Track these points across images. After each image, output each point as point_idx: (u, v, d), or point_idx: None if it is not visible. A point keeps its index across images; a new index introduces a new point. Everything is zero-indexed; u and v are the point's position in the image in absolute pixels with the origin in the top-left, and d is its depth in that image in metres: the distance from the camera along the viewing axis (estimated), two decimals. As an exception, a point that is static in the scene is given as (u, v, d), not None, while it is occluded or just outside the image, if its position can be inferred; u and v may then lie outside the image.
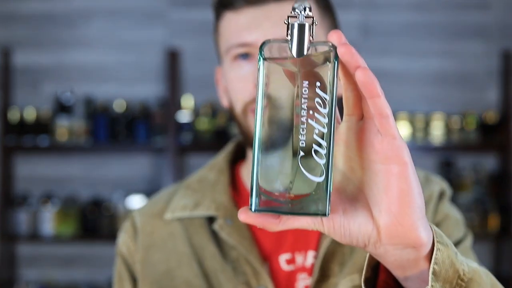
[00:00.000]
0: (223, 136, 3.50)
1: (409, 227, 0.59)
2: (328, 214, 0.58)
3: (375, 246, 0.61)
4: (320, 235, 1.01)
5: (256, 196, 0.58)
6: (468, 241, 1.02)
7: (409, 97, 3.59)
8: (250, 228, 1.03)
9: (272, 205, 0.58)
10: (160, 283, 1.03)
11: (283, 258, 1.02)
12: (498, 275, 0.82)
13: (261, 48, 0.59)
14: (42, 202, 3.54)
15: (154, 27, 3.68)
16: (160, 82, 3.67)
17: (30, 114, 3.55)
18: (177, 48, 3.60)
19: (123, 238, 1.10)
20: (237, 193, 1.09)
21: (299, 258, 1.01)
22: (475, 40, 3.64)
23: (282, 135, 0.58)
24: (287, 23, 0.59)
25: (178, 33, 3.67)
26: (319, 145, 0.58)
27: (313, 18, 0.59)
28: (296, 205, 0.58)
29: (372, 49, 3.51)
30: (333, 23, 1.06)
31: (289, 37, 0.59)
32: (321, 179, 0.58)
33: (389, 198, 0.59)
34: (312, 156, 0.58)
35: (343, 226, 0.60)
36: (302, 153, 0.58)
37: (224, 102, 1.12)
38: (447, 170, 3.54)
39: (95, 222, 3.51)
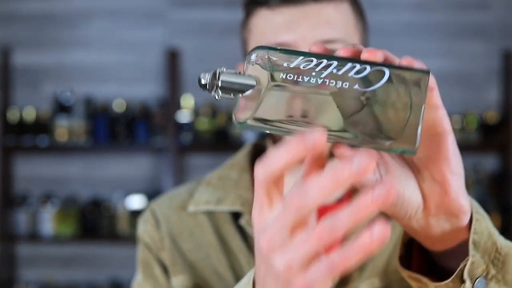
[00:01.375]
0: (223, 136, 3.50)
1: (453, 195, 0.60)
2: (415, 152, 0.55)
3: (418, 218, 0.61)
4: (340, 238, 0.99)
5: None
6: None
7: (410, 97, 3.58)
8: None
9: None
10: (192, 271, 1.01)
11: None
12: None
13: (239, 124, 0.58)
14: (42, 202, 3.53)
15: (154, 27, 3.68)
16: (160, 82, 3.67)
17: (29, 114, 3.54)
18: (177, 48, 3.60)
19: (145, 227, 1.07)
20: None
21: None
22: (475, 40, 3.64)
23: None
24: (218, 94, 0.59)
25: (178, 33, 3.66)
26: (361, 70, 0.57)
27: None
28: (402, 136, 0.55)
29: (371, 47, 3.49)
30: (364, 25, 1.05)
31: (234, 93, 0.59)
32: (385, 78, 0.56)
33: (433, 166, 0.60)
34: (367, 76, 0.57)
35: (397, 193, 0.59)
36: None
37: None
38: (447, 170, 3.53)
39: (95, 222, 3.51)
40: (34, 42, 3.69)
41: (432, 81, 0.57)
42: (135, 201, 3.52)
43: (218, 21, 3.62)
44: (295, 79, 0.57)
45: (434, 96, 0.58)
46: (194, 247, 1.03)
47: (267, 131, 0.57)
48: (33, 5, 3.69)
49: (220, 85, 0.58)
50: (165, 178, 3.54)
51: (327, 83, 0.56)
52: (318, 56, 0.58)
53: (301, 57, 0.58)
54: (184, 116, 3.52)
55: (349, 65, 0.56)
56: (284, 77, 0.58)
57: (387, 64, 0.57)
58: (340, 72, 0.56)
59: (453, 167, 0.60)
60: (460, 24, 3.64)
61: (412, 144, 0.55)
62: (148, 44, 3.67)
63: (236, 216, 1.04)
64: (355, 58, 0.58)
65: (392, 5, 3.63)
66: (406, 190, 0.60)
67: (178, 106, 3.54)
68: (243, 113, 0.58)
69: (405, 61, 0.57)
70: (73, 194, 3.64)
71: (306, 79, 0.57)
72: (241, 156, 1.12)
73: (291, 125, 0.57)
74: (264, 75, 0.58)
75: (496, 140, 3.52)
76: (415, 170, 0.61)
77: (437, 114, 0.59)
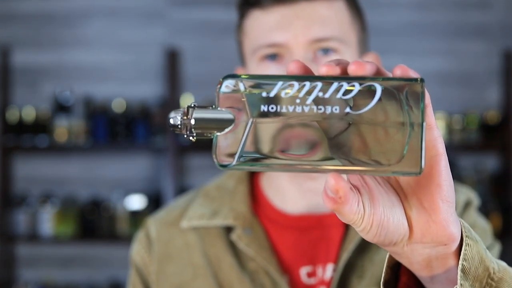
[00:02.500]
0: (223, 136, 3.48)
1: (441, 223, 0.56)
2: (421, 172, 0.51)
3: (403, 245, 0.58)
4: (339, 247, 0.98)
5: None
6: (495, 251, 0.98)
7: (410, 97, 3.57)
8: (270, 239, 1.00)
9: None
10: None
11: (304, 271, 0.98)
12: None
13: (225, 167, 0.53)
14: (41, 202, 3.53)
15: (153, 27, 3.67)
16: (160, 82, 3.66)
17: (29, 114, 3.54)
18: (176, 48, 3.59)
19: (137, 249, 1.07)
20: (256, 203, 1.05)
21: (319, 271, 0.98)
22: (476, 39, 3.63)
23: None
24: (191, 134, 0.54)
25: (177, 33, 3.66)
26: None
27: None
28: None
29: (373, 48, 3.47)
30: (362, 25, 1.03)
31: (209, 132, 0.53)
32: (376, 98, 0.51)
33: (422, 192, 0.56)
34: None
35: (381, 224, 0.56)
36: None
37: None
38: (448, 170, 3.53)
39: (94, 222, 3.50)
40: (33, 42, 3.68)
41: (426, 97, 0.52)
42: (135, 202, 3.51)
43: (218, 20, 3.61)
44: (278, 110, 0.51)
45: (429, 114, 0.54)
46: (180, 269, 1.02)
47: (256, 170, 0.52)
48: (33, 4, 3.68)
49: (193, 124, 0.53)
50: (164, 178, 3.53)
51: (314, 110, 0.51)
52: (299, 78, 0.52)
53: (280, 83, 0.52)
54: (184, 116, 3.51)
55: (335, 85, 0.51)
56: (265, 109, 0.52)
57: (377, 78, 0.51)
58: (326, 95, 0.51)
59: (445, 194, 0.56)
60: (461, 24, 3.63)
61: (415, 166, 0.50)
62: (147, 44, 3.66)
63: (228, 230, 1.02)
64: (341, 76, 0.52)
65: (392, 4, 3.62)
66: (391, 219, 0.56)
67: (178, 106, 3.52)
68: (226, 153, 0.53)
69: (399, 69, 0.53)
70: (72, 194, 3.64)
71: (290, 108, 0.51)
72: None
73: (284, 161, 0.52)
74: (240, 106, 0.52)
75: (497, 140, 3.51)
76: (402, 195, 0.58)
77: (431, 135, 0.55)
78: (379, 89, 0.50)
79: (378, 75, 0.52)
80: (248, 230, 1.00)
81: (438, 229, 0.56)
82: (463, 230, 0.59)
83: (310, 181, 1.00)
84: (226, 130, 0.52)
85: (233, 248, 1.00)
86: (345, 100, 0.51)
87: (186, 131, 0.53)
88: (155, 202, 3.50)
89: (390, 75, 0.54)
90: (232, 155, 0.52)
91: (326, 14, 0.95)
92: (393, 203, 0.57)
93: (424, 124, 0.50)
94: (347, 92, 0.50)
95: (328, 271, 0.98)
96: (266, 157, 0.52)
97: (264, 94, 0.52)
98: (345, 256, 0.95)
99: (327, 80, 0.51)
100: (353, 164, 0.51)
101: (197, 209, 1.05)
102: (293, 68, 0.53)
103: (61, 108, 3.55)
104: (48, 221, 3.48)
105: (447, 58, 3.62)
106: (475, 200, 1.02)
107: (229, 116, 0.52)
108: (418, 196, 0.57)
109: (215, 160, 0.53)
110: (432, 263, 0.59)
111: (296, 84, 0.51)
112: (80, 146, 3.51)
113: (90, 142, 3.51)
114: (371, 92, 0.50)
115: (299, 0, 0.95)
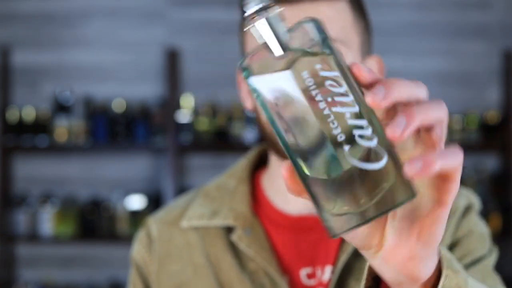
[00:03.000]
0: (223, 136, 3.49)
1: (411, 260, 0.55)
2: (416, 193, 0.49)
3: (372, 256, 0.57)
4: (338, 249, 0.97)
5: (328, 221, 0.51)
6: (491, 259, 0.98)
7: (410, 97, 3.57)
8: (270, 239, 1.00)
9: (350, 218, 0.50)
10: None
11: (304, 272, 0.98)
12: (500, 276, 0.81)
13: (243, 69, 0.52)
14: (41, 203, 3.52)
15: (153, 27, 3.67)
16: (160, 82, 3.66)
17: (29, 114, 3.53)
18: (176, 48, 3.59)
19: (138, 248, 1.07)
20: (257, 203, 1.05)
21: (318, 273, 0.98)
22: (476, 39, 3.63)
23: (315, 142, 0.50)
24: (252, 26, 0.52)
25: (177, 33, 3.65)
26: (360, 127, 0.49)
27: (268, 5, 0.52)
28: (379, 203, 0.49)
29: (373, 48, 3.49)
30: (366, 26, 1.02)
31: (265, 39, 0.52)
32: (384, 161, 0.49)
33: (408, 227, 0.54)
34: (358, 143, 0.49)
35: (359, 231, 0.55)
36: (346, 147, 0.49)
37: (248, 105, 1.05)
38: (448, 170, 3.52)
39: (94, 222, 3.50)
40: (33, 42, 3.68)
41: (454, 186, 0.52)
42: (135, 202, 3.51)
43: (218, 20, 3.61)
44: (312, 93, 0.50)
45: (449, 195, 0.53)
46: (181, 268, 1.02)
47: (258, 102, 0.50)
48: (33, 4, 3.67)
49: (264, 20, 0.51)
50: (164, 179, 3.53)
51: (329, 121, 0.49)
52: (351, 85, 0.50)
53: (336, 74, 0.50)
54: (184, 116, 3.51)
55: (362, 122, 0.49)
56: (305, 80, 0.50)
57: (393, 152, 0.49)
58: (348, 122, 0.49)
59: (430, 239, 0.54)
60: (461, 24, 3.62)
61: (407, 193, 0.49)
62: (148, 44, 3.66)
63: (228, 230, 1.02)
64: (373, 112, 0.49)
65: (393, 4, 3.62)
66: (362, 230, 0.55)
67: (178, 106, 3.52)
68: (254, 62, 0.52)
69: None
70: (72, 194, 3.63)
71: (319, 98, 0.49)
72: (242, 163, 1.09)
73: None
74: (294, 47, 0.51)
75: (497, 140, 3.51)
76: (392, 212, 0.55)
77: (439, 212, 0.53)
78: (385, 158, 0.49)
79: (374, 87, 0.50)
80: (248, 230, 1.00)
81: (405, 264, 0.55)
82: (443, 261, 0.58)
83: None
84: (275, 50, 0.51)
85: (233, 248, 1.00)
86: (355, 144, 0.49)
87: (253, 19, 0.52)
88: (155, 202, 3.49)
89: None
90: (256, 70, 0.52)
91: (328, 14, 0.94)
92: None
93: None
94: (363, 137, 0.49)
95: (326, 273, 0.97)
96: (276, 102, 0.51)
97: (318, 66, 0.50)
98: (343, 258, 0.95)
99: (363, 109, 0.49)
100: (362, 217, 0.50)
101: (197, 209, 1.05)
102: (363, 73, 0.51)
103: (61, 108, 3.55)
104: (48, 221, 3.48)
105: (447, 58, 3.62)
106: (476, 204, 1.01)
107: (288, 44, 0.51)
108: (403, 226, 0.55)
109: (244, 61, 0.52)
110: (403, 285, 0.57)
111: (344, 86, 0.50)
112: (80, 146, 3.51)
113: (90, 142, 3.51)
114: (379, 155, 0.49)
115: (303, 1, 0.94)
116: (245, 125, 3.45)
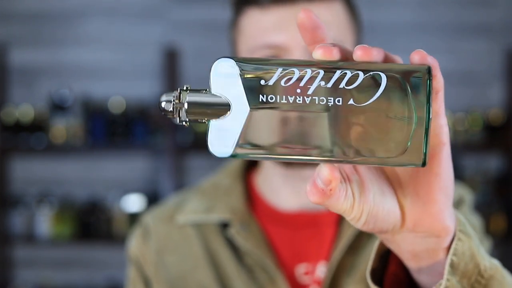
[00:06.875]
0: (223, 136, 3.46)
1: (436, 215, 0.55)
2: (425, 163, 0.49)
3: (394, 233, 0.56)
4: (332, 246, 0.99)
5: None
6: (484, 247, 0.99)
7: (412, 96, 3.56)
8: (267, 235, 1.02)
9: None
10: (175, 285, 1.01)
11: (299, 268, 1.00)
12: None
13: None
14: (38, 203, 3.50)
15: (152, 25, 3.65)
16: (159, 81, 3.63)
17: (26, 113, 3.51)
18: (175, 47, 3.57)
19: (134, 242, 1.08)
20: (252, 200, 1.06)
21: (313, 269, 1.00)
22: (479, 38, 3.61)
23: None
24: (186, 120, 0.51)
25: (176, 31, 3.63)
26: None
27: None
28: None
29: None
30: (358, 25, 1.03)
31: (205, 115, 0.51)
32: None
33: (419, 181, 0.54)
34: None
35: (371, 212, 0.54)
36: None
37: None
38: (450, 171, 3.52)
39: (92, 223, 3.48)
40: (30, 40, 3.66)
41: (439, 82, 0.51)
42: (133, 202, 3.49)
43: (218, 19, 3.57)
44: (277, 100, 0.48)
45: (437, 101, 0.52)
46: (179, 260, 1.02)
47: (254, 159, 0.50)
48: (30, 3, 3.66)
49: (187, 108, 0.49)
50: (163, 179, 3.50)
51: (316, 101, 0.48)
52: (299, 64, 0.49)
53: (280, 69, 0.48)
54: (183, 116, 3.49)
55: (338, 73, 0.48)
56: (264, 99, 0.48)
57: (381, 64, 0.49)
58: (329, 85, 0.48)
59: (443, 185, 0.54)
60: (463, 22, 3.61)
61: (418, 159, 0.48)
62: (146, 43, 3.64)
63: (224, 227, 1.03)
64: (344, 62, 0.49)
65: (394, 3, 3.60)
66: (382, 207, 0.54)
67: (176, 106, 3.50)
68: (221, 141, 0.50)
69: (416, 55, 0.51)
70: (70, 195, 3.61)
71: (290, 99, 0.48)
72: (236, 164, 1.10)
73: (282, 153, 0.49)
74: (237, 92, 0.49)
75: (500, 140, 3.49)
76: (396, 183, 0.56)
77: (436, 123, 0.53)
78: (384, 79, 0.48)
79: (386, 62, 0.50)
80: (244, 225, 1.01)
81: (432, 221, 0.55)
82: (457, 224, 0.58)
83: (303, 183, 1.00)
84: (222, 117, 0.49)
85: (230, 244, 1.01)
86: (349, 90, 0.48)
87: (179, 115, 0.50)
88: (154, 203, 3.47)
89: (401, 61, 0.52)
90: (227, 144, 0.49)
91: (324, 15, 0.94)
92: (384, 191, 0.55)
93: (430, 117, 0.48)
94: (350, 81, 0.48)
95: (320, 270, 0.99)
96: (263, 148, 0.49)
97: (262, 82, 0.49)
98: (337, 254, 0.96)
99: (329, 67, 0.48)
100: (355, 156, 0.48)
101: (193, 205, 1.06)
102: (321, 52, 0.50)
103: (59, 107, 3.53)
104: (45, 222, 3.47)
105: (449, 56, 3.60)
106: (467, 196, 1.02)
107: (224, 101, 0.49)
108: (414, 185, 0.55)
109: (209, 147, 0.50)
110: (422, 253, 0.58)
111: (296, 72, 0.48)
112: (77, 146, 3.49)
113: (87, 142, 3.48)
114: (375, 81, 0.48)
115: (298, 1, 0.94)
116: (245, 124, 3.43)
